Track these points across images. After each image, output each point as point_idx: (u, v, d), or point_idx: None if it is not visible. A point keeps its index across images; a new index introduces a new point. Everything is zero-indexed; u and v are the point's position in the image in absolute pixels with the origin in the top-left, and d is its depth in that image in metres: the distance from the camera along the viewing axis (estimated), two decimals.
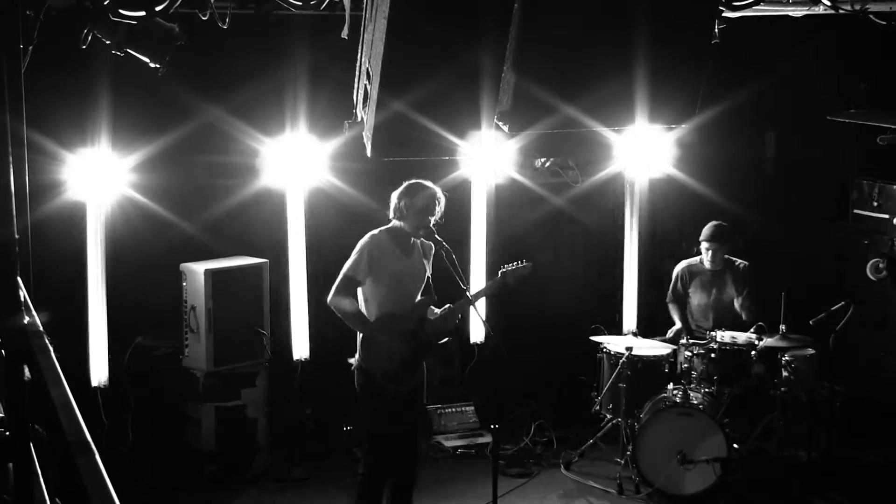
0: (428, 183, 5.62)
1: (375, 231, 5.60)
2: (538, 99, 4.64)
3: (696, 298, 7.50)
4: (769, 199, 8.69)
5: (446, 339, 5.74)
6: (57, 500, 2.73)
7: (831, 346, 6.78)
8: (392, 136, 4.52)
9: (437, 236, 5.55)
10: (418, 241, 5.67)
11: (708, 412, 6.53)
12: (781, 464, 6.72)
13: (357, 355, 5.56)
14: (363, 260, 5.48)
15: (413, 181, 5.62)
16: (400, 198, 5.57)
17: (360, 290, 5.54)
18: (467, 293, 5.59)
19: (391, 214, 5.62)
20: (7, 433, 2.74)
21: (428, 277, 5.70)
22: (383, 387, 5.49)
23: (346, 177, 7.32)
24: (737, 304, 7.36)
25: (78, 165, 6.48)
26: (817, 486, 6.62)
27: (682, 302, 7.60)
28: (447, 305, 5.70)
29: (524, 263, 5.79)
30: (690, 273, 7.56)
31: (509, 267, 5.81)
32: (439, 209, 5.58)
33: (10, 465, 2.77)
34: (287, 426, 7.23)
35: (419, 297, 5.65)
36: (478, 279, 7.87)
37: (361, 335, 5.52)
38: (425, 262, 5.69)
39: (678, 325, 7.48)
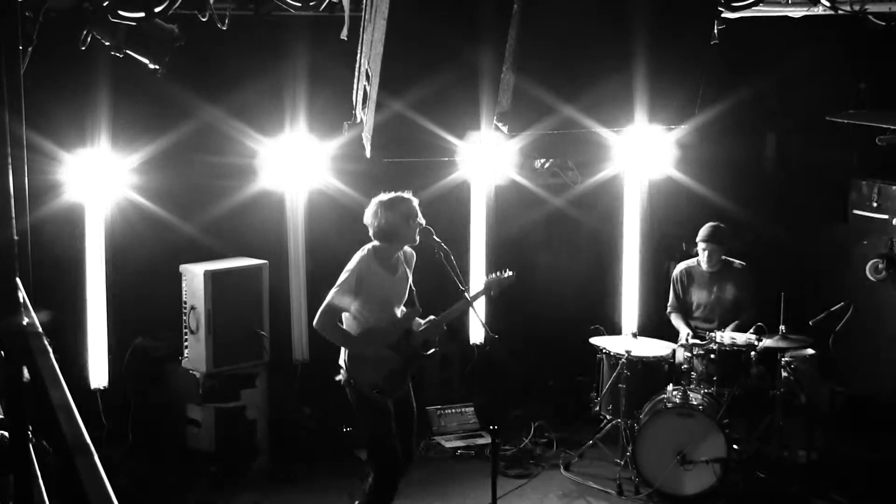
0: (397, 193, 5.55)
1: (364, 252, 5.53)
2: (537, 99, 4.65)
3: (696, 299, 7.50)
4: (769, 200, 8.70)
5: (433, 349, 5.72)
6: (56, 502, 2.73)
7: (831, 347, 6.79)
8: (391, 137, 4.53)
9: (435, 237, 5.56)
10: (401, 255, 5.64)
11: (707, 413, 6.53)
12: (781, 464, 6.71)
13: (343, 372, 5.55)
14: (352, 285, 5.44)
15: (382, 198, 5.52)
16: (380, 217, 5.47)
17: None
18: (466, 295, 5.60)
19: (374, 235, 5.53)
20: (6, 434, 2.74)
21: (411, 288, 5.71)
22: (373, 398, 5.50)
23: (346, 178, 7.32)
24: (736, 300, 7.36)
25: (77, 166, 6.48)
26: (817, 486, 6.62)
27: (682, 309, 7.57)
28: (430, 317, 5.70)
29: (509, 274, 5.81)
30: (689, 274, 7.55)
31: (494, 276, 5.82)
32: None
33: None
34: (287, 427, 7.23)
35: (403, 310, 5.65)
36: (477, 280, 7.87)
37: (347, 352, 5.51)
38: (408, 271, 5.69)
39: (685, 332, 7.36)
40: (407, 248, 5.67)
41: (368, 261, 5.50)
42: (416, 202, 5.55)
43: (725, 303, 7.41)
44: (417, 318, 5.69)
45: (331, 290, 5.48)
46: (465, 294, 5.58)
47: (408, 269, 5.70)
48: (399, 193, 5.55)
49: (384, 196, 5.54)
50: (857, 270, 7.82)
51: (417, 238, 5.55)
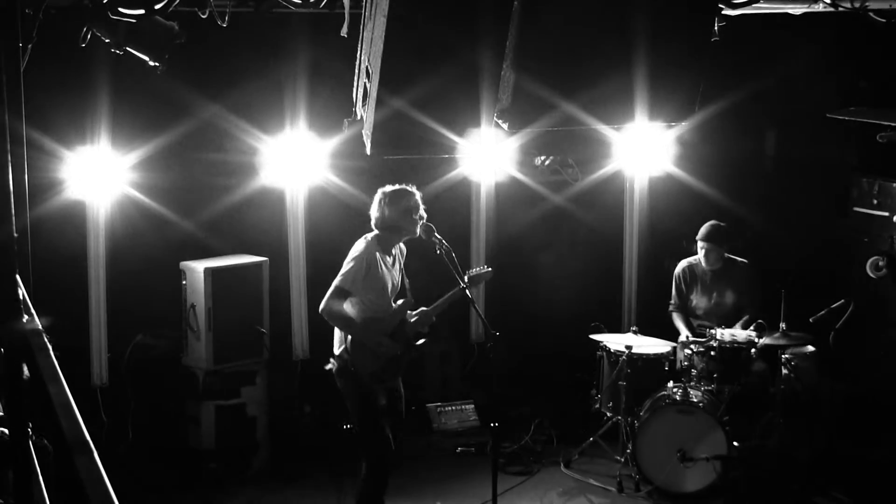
0: (400, 186, 5.70)
1: (368, 241, 5.65)
2: (538, 96, 4.63)
3: (697, 297, 7.49)
4: (769, 198, 8.69)
5: (423, 340, 5.86)
6: (56, 500, 2.73)
7: (831, 344, 6.79)
8: (392, 134, 4.51)
9: (436, 235, 5.61)
10: (397, 248, 5.78)
11: (708, 410, 6.53)
12: (781, 461, 6.71)
13: (339, 358, 5.63)
14: (360, 272, 5.55)
15: (386, 190, 5.68)
16: (383, 209, 5.64)
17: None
18: (467, 292, 5.68)
19: (376, 226, 5.68)
20: (6, 432, 2.74)
21: (404, 280, 5.83)
22: (370, 385, 5.61)
23: (346, 175, 7.33)
24: (738, 303, 7.36)
25: (77, 164, 6.48)
26: (817, 483, 6.62)
27: (685, 308, 7.55)
28: (421, 308, 5.81)
29: (487, 268, 6.04)
30: (691, 272, 7.54)
31: (474, 271, 5.96)
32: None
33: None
34: (287, 424, 7.23)
35: (398, 301, 5.76)
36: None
37: (350, 338, 5.58)
38: (401, 264, 5.84)
39: (685, 333, 7.31)
40: (425, 238, 5.77)
41: (373, 249, 5.62)
42: (418, 196, 5.70)
43: (726, 303, 7.40)
44: (409, 310, 5.78)
45: (337, 276, 5.58)
46: (466, 292, 5.68)
47: (401, 263, 5.84)
48: (402, 186, 5.70)
49: (388, 188, 5.70)
50: (857, 267, 7.81)
51: (418, 231, 5.66)
